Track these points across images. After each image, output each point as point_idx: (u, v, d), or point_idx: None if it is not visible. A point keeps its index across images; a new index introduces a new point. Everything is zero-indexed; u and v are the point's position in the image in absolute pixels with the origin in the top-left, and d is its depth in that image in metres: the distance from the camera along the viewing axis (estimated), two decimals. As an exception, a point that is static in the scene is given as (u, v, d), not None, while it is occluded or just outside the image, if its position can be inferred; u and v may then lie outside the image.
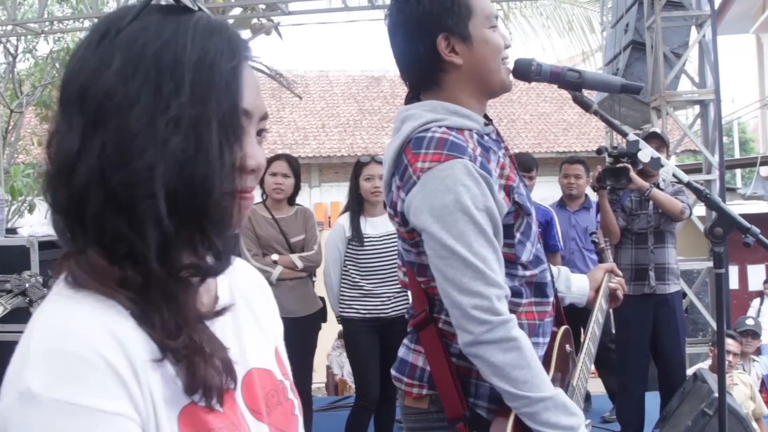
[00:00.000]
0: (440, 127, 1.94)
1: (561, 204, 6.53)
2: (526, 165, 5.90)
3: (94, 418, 0.84)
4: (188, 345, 0.94)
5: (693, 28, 7.40)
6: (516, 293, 1.96)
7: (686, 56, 7.18)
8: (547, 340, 2.08)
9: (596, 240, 2.89)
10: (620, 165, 5.23)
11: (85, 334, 0.88)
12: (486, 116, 2.09)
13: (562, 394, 1.89)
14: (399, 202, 1.95)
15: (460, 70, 2.01)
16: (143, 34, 0.95)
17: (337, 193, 19.22)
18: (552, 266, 2.36)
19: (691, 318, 7.13)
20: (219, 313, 1.04)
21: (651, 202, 5.35)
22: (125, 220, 0.92)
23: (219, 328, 1.06)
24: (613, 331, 6.00)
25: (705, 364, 6.58)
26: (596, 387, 6.66)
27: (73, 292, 0.93)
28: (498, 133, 2.11)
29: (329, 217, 18.88)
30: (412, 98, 2.12)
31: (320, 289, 5.49)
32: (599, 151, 5.34)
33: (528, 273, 2.01)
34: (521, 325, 1.93)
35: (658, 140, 5.49)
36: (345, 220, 5.23)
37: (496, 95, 2.12)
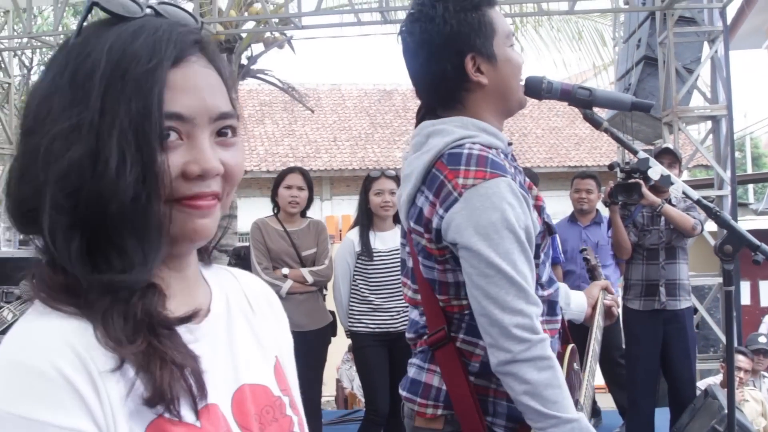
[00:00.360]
0: (474, 143, 1.92)
1: (572, 219, 6.53)
2: (532, 181, 5.93)
3: (44, 430, 0.83)
4: (144, 352, 0.91)
5: (705, 44, 7.41)
6: None
7: (698, 72, 7.18)
8: (554, 355, 2.08)
9: (587, 257, 2.87)
10: (632, 180, 5.24)
11: (42, 347, 0.87)
12: None
13: (584, 418, 1.87)
14: (435, 219, 1.91)
15: (484, 89, 2.00)
16: (73, 51, 0.96)
17: (349, 207, 19.24)
18: None
19: (702, 334, 7.11)
20: (183, 320, 1.00)
21: (663, 218, 5.35)
22: (36, 230, 0.93)
23: (210, 341, 1.04)
24: (623, 347, 5.99)
25: (716, 379, 6.56)
26: (606, 402, 6.64)
27: (39, 304, 0.93)
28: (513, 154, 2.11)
29: (340, 231, 18.91)
30: (425, 114, 2.10)
31: (331, 303, 5.50)
32: (611, 166, 5.35)
33: (546, 293, 2.01)
34: None
35: (670, 156, 5.51)
36: (354, 234, 5.22)
37: (513, 113, 2.13)
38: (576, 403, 2.08)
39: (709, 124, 7.66)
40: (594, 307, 2.46)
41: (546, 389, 1.80)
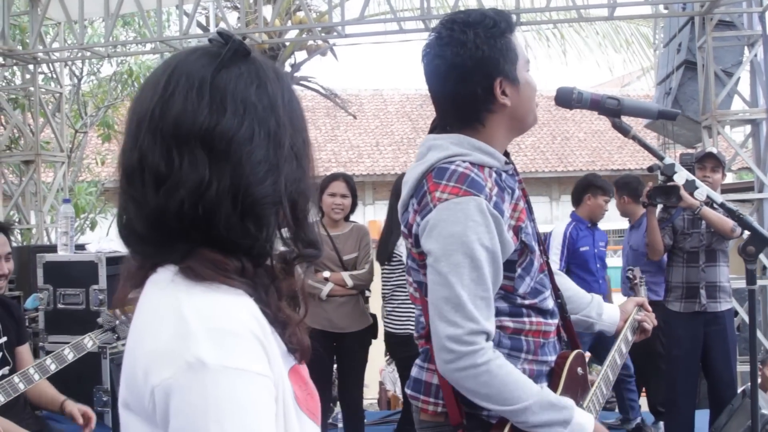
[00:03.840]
0: (464, 161, 2.06)
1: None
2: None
3: (251, 377, 1.09)
4: (285, 317, 1.23)
5: (745, 47, 7.40)
6: (516, 314, 2.10)
7: (737, 75, 7.17)
8: (554, 358, 2.20)
9: (630, 276, 3.01)
10: (671, 183, 5.27)
11: (236, 314, 1.13)
12: (506, 152, 2.22)
13: (546, 393, 2.01)
14: (415, 225, 2.09)
15: (506, 110, 2.14)
16: (241, 81, 1.22)
17: (391, 211, 19.32)
18: (586, 293, 2.51)
19: (744, 336, 7.08)
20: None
21: (703, 221, 5.38)
22: (256, 225, 1.19)
23: None
24: (660, 350, 6.03)
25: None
26: (645, 406, 6.68)
27: (200, 282, 1.16)
28: (515, 169, 2.23)
29: (383, 235, 18.94)
30: (434, 129, 2.25)
31: (372, 306, 5.63)
32: (651, 168, 5.38)
33: (526, 302, 2.12)
34: (527, 343, 2.10)
35: (713, 161, 5.50)
36: None
37: (527, 130, 2.28)
38: (578, 406, 2.18)
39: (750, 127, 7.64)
40: (626, 321, 2.57)
41: (489, 391, 1.94)
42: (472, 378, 1.93)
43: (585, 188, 6.30)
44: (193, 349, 1.07)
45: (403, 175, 5.31)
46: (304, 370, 1.28)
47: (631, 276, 3.03)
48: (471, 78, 2.10)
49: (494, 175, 2.11)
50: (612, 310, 2.56)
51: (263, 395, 1.10)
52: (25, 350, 3.88)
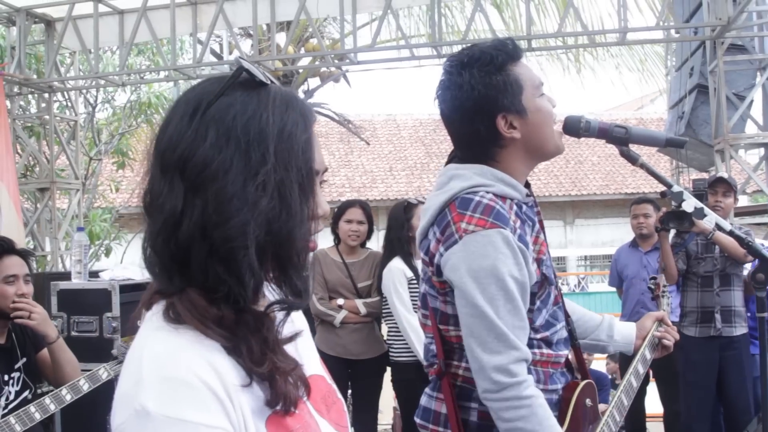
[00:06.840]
0: (488, 192, 2.07)
1: (633, 244, 6.60)
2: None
3: (194, 428, 1.03)
4: (271, 369, 1.13)
5: (758, 71, 7.38)
6: (527, 346, 2.07)
7: (749, 99, 7.15)
8: (559, 386, 2.18)
9: (652, 286, 2.89)
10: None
11: (189, 363, 1.06)
12: (527, 183, 2.22)
13: None
14: (437, 255, 2.09)
15: (517, 142, 2.14)
16: (231, 109, 1.14)
17: (405, 236, 19.32)
18: (596, 314, 2.46)
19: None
20: (293, 338, 1.25)
21: (716, 246, 5.37)
22: (225, 268, 1.10)
23: (294, 342, 1.27)
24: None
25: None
26: (658, 430, 6.63)
27: (174, 326, 1.11)
28: (534, 201, 2.24)
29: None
30: (453, 158, 2.26)
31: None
32: (664, 194, 5.37)
33: (538, 336, 2.13)
34: (537, 373, 2.09)
35: (724, 185, 5.51)
36: (400, 263, 5.20)
37: (550, 158, 2.27)
38: None
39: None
40: (644, 339, 2.47)
41: (524, 426, 1.94)
42: (513, 409, 1.95)
43: None
44: (141, 397, 1.04)
45: (403, 201, 5.35)
46: (295, 419, 1.17)
47: (653, 286, 2.90)
48: (472, 119, 2.12)
49: (515, 207, 2.12)
50: (627, 329, 2.49)
51: None
52: (44, 355, 3.86)
